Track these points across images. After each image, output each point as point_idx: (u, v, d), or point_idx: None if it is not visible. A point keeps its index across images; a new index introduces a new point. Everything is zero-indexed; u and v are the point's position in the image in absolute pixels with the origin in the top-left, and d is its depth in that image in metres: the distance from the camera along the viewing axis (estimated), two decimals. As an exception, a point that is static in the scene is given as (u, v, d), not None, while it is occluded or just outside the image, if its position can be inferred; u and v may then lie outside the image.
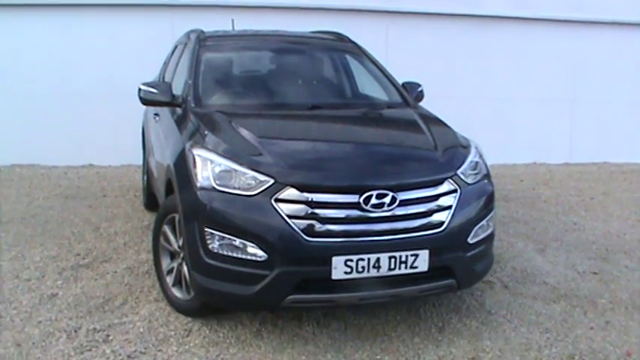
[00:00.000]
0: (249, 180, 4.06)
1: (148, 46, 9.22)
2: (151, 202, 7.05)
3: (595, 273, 5.80)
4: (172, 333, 4.43)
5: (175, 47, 6.90)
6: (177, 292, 4.70)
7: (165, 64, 7.13)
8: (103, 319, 4.60)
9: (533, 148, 10.90)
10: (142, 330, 4.46)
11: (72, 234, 6.42)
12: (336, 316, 4.67)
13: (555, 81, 10.98)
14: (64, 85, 9.49)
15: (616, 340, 4.54)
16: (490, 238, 4.64)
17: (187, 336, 4.40)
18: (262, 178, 4.03)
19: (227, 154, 4.22)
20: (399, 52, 9.90)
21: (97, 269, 5.52)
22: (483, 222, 4.46)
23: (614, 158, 11.21)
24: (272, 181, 4.01)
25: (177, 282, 4.70)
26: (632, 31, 11.08)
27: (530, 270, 5.78)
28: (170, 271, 4.77)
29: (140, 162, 8.13)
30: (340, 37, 6.44)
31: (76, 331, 4.42)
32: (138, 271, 5.47)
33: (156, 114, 6.04)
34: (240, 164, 4.12)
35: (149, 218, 6.93)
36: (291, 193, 3.97)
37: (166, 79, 6.47)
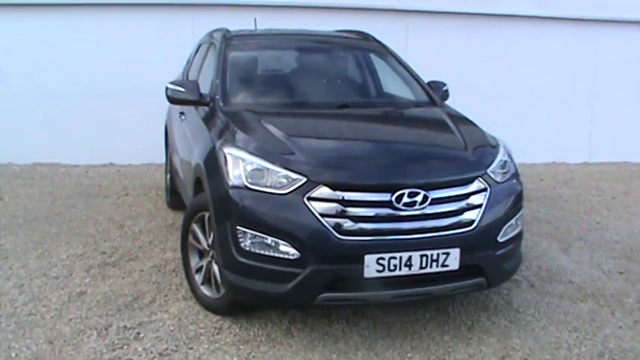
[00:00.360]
0: (281, 178, 4.07)
1: (169, 46, 9.27)
2: (174, 200, 7.08)
3: (621, 272, 5.78)
4: (203, 331, 4.45)
5: (199, 46, 6.92)
6: (206, 291, 4.72)
7: (189, 63, 7.16)
8: (133, 317, 4.62)
9: (553, 148, 10.86)
10: (172, 328, 4.48)
11: (97, 232, 6.46)
12: (365, 315, 4.68)
13: (574, 80, 10.92)
14: (84, 85, 9.53)
15: (645, 340, 4.54)
16: (519, 236, 4.65)
17: (218, 334, 4.42)
18: (295, 176, 4.05)
19: (259, 153, 4.24)
20: (418, 51, 9.83)
21: (124, 267, 5.55)
22: (512, 221, 4.46)
23: (634, 158, 11.14)
24: (305, 179, 4.02)
25: (207, 280, 4.72)
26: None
27: (555, 269, 5.77)
28: (199, 270, 4.79)
29: (161, 161, 8.17)
30: (365, 37, 6.45)
31: (106, 329, 4.45)
32: (165, 270, 5.49)
33: (181, 113, 6.07)
34: (273, 162, 4.14)
35: (173, 217, 6.96)
36: (323, 191, 3.99)
37: (190, 78, 6.49)
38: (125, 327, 4.47)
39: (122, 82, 9.53)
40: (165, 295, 5.00)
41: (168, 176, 7.29)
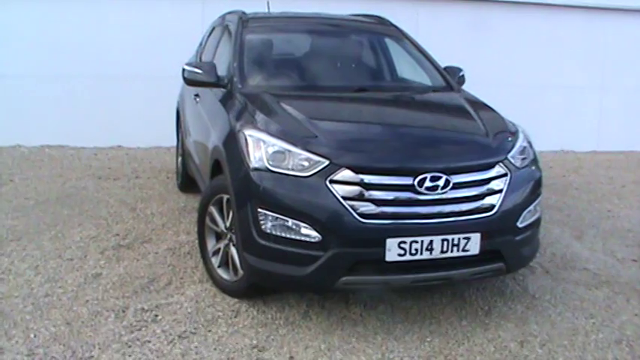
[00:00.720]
0: (303, 161, 4.06)
1: (178, 28, 9.19)
2: (186, 184, 7.06)
3: (634, 260, 5.78)
4: (220, 314, 4.44)
5: (213, 29, 6.88)
6: (223, 274, 4.71)
7: (202, 45, 7.12)
8: (150, 300, 4.61)
9: (561, 136, 10.82)
10: (189, 310, 4.47)
11: (109, 214, 6.44)
12: (382, 299, 4.67)
13: (584, 68, 10.88)
14: (92, 67, 9.43)
15: (661, 327, 4.54)
16: (537, 222, 4.64)
17: (236, 317, 4.42)
18: (317, 159, 4.03)
19: (280, 135, 4.22)
20: (428, 37, 9.74)
21: (138, 250, 5.54)
22: (531, 206, 4.46)
23: (642, 147, 11.15)
24: (327, 162, 4.01)
25: (224, 263, 4.71)
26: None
27: (569, 256, 5.77)
28: (216, 252, 4.77)
29: (170, 144, 8.15)
30: (381, 21, 6.41)
31: (124, 311, 4.44)
32: (179, 252, 5.48)
33: (196, 95, 6.03)
34: (295, 145, 4.12)
35: (185, 200, 6.95)
36: (346, 174, 3.97)
37: (204, 61, 6.45)
38: (142, 309, 4.46)
39: (130, 64, 9.45)
40: (181, 278, 4.99)
41: (180, 159, 7.26)
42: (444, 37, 10.02)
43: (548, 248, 5.90)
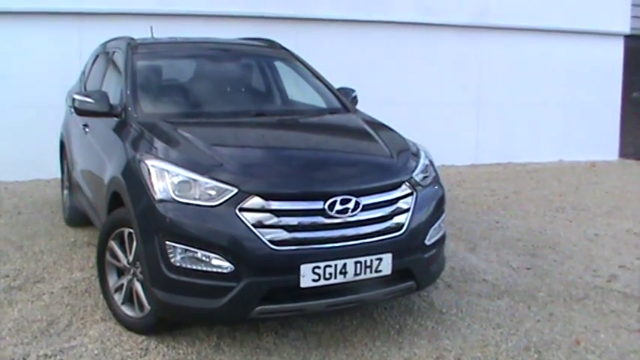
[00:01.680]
0: (210, 190, 3.95)
1: (54, 57, 8.88)
2: (73, 217, 6.75)
3: (528, 268, 6.00)
4: (129, 353, 4.24)
5: (97, 56, 6.63)
6: (127, 310, 4.50)
7: (85, 74, 6.84)
8: (52, 344, 4.33)
9: (442, 151, 11.03)
10: (96, 352, 4.24)
11: (-6, 255, 6.06)
12: (293, 326, 4.61)
13: (461, 85, 11.30)
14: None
15: (563, 331, 4.70)
16: (443, 239, 4.72)
17: (145, 355, 4.22)
18: (225, 187, 3.94)
19: (184, 164, 4.10)
20: (309, 58, 9.86)
21: (32, 291, 5.22)
22: (437, 224, 4.53)
23: (517, 158, 11.65)
24: (235, 190, 3.92)
25: (128, 299, 4.51)
26: (531, 36, 11.58)
27: (467, 269, 5.92)
28: (119, 289, 4.57)
29: (52, 176, 7.77)
30: (272, 44, 6.38)
31: (25, 359, 4.14)
32: (76, 290, 5.21)
33: (85, 125, 5.79)
34: (201, 174, 4.01)
35: (74, 234, 6.64)
36: (255, 201, 3.90)
37: (90, 89, 6.21)
38: (45, 355, 4.18)
39: (4, 94, 9.00)
40: (82, 318, 4.73)
41: (66, 192, 6.94)
42: (324, 58, 9.98)
43: (447, 262, 5.92)
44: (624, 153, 12.68)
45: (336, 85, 6.07)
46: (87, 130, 5.75)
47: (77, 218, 6.65)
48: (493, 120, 11.59)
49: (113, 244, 4.54)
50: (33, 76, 8.96)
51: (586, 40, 11.93)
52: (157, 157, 4.21)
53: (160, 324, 4.36)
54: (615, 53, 12.36)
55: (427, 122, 11.03)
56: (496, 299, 5.26)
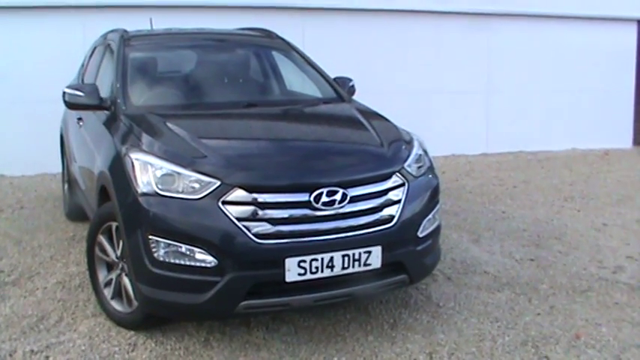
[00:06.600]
0: (193, 183, 3.88)
1: (60, 51, 8.86)
2: (73, 212, 6.72)
3: (532, 260, 5.87)
4: (116, 349, 4.19)
5: (94, 49, 6.58)
6: (117, 305, 4.46)
7: (83, 66, 6.81)
8: (40, 340, 4.30)
9: (452, 140, 11.00)
10: (83, 348, 4.19)
11: (-9, 250, 6.04)
12: (284, 320, 4.54)
13: (471, 73, 11.14)
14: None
15: (563, 324, 4.59)
16: (437, 231, 4.61)
17: (133, 351, 4.17)
18: (207, 180, 3.86)
19: (168, 157, 4.02)
20: (316, 48, 9.75)
21: (25, 286, 5.19)
22: (431, 215, 4.42)
23: (529, 147, 11.47)
24: (218, 182, 3.84)
25: (117, 294, 4.46)
26: (542, 23, 11.38)
27: (469, 261, 5.80)
28: (108, 284, 4.52)
29: (57, 170, 7.75)
30: (268, 34, 6.29)
31: (11, 355, 4.11)
32: (70, 285, 5.17)
33: (79, 119, 5.74)
34: (184, 167, 3.94)
35: (73, 229, 6.61)
36: (239, 194, 3.82)
37: (86, 82, 6.16)
38: (32, 351, 4.14)
39: (10, 89, 9.00)
40: (73, 313, 4.69)
41: (66, 186, 6.91)
42: (331, 47, 10.00)
43: (448, 254, 5.91)
44: (638, 141, 12.43)
45: (340, 74, 5.96)
46: (81, 123, 5.71)
47: (77, 212, 6.60)
48: (504, 108, 11.41)
49: (102, 239, 4.50)
50: (39, 71, 8.95)
51: (598, 26, 11.69)
52: (141, 150, 4.14)
53: (148, 320, 4.31)
54: (629, 39, 12.10)
55: (437, 111, 10.93)
56: (496, 292, 5.15)
